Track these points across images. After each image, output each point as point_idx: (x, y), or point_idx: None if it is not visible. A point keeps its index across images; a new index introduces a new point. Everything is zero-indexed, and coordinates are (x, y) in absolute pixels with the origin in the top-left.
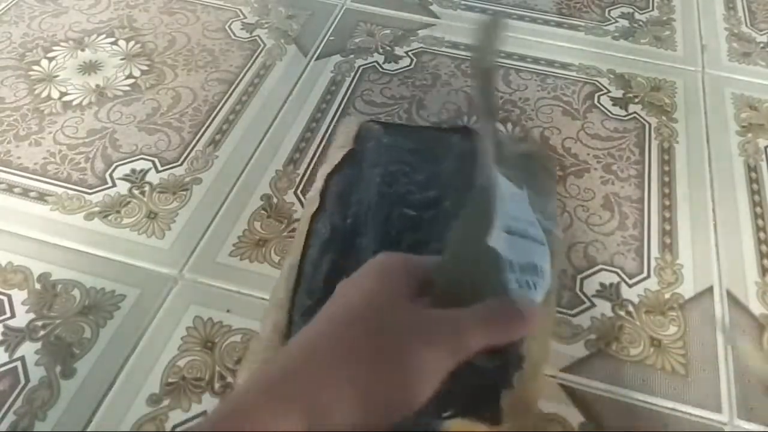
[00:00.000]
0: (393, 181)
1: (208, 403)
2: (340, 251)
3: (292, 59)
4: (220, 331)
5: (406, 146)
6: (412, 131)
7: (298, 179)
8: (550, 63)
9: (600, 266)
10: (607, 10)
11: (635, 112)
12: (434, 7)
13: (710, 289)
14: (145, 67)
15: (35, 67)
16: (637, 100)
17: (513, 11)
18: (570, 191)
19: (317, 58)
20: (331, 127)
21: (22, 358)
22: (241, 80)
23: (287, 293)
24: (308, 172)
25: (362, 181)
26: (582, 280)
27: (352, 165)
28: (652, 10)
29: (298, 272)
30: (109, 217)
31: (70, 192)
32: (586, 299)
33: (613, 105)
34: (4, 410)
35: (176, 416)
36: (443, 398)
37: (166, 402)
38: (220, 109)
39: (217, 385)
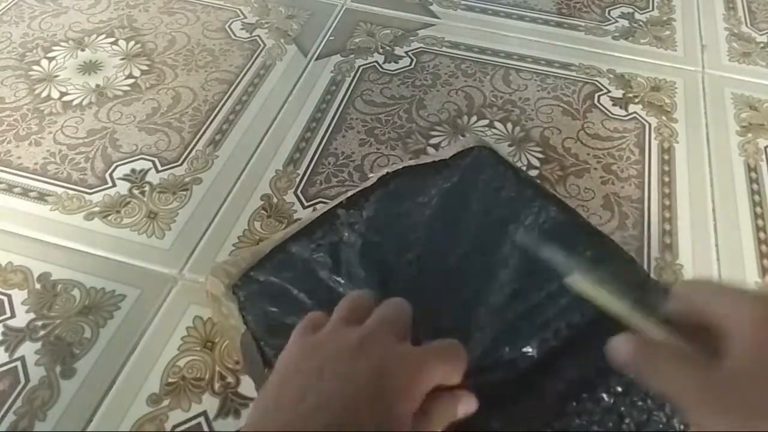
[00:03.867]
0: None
1: (208, 403)
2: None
3: (292, 59)
4: (221, 331)
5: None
6: (516, 177)
7: (298, 179)
8: (550, 63)
9: None
10: (607, 10)
11: (635, 112)
12: (434, 7)
13: None
14: (145, 67)
15: (35, 67)
16: (637, 100)
17: (513, 11)
18: (570, 191)
19: (317, 58)
20: (332, 127)
21: (22, 358)
22: (241, 80)
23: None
24: (308, 172)
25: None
26: None
27: (428, 175)
28: (652, 10)
29: (279, 245)
30: (109, 217)
31: (70, 192)
32: None
33: (613, 105)
34: (4, 410)
35: (176, 416)
36: None
37: (166, 402)
38: (220, 109)
39: (217, 385)
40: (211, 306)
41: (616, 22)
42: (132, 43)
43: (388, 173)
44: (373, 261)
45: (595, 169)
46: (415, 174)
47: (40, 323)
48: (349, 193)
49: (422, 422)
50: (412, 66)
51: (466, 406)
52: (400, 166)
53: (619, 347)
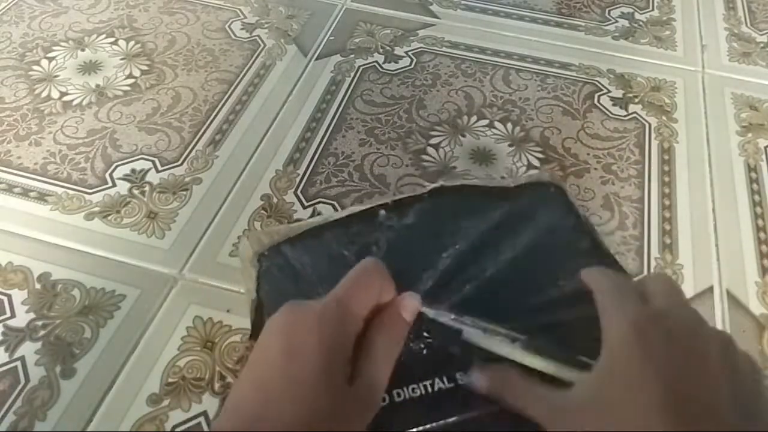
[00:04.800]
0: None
1: (209, 403)
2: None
3: (292, 59)
4: (220, 331)
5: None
6: (576, 225)
7: (298, 179)
8: (550, 63)
9: None
10: (607, 10)
11: (635, 112)
12: (434, 7)
13: (710, 289)
14: (145, 67)
15: (35, 67)
16: (637, 100)
17: (513, 11)
18: (570, 191)
19: (317, 58)
20: (332, 127)
21: (22, 358)
22: (241, 80)
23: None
24: (308, 172)
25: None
26: None
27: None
28: (652, 10)
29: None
30: (109, 217)
31: (70, 192)
32: None
33: (613, 105)
34: (4, 410)
35: (176, 416)
36: None
37: (166, 402)
38: (220, 109)
39: (217, 385)
40: (241, 268)
41: (616, 22)
42: (132, 43)
43: (443, 186)
44: (391, 270)
45: (595, 169)
46: (471, 195)
47: (40, 323)
48: (399, 197)
49: (367, 355)
50: (412, 66)
51: (409, 307)
52: (458, 183)
53: (476, 380)
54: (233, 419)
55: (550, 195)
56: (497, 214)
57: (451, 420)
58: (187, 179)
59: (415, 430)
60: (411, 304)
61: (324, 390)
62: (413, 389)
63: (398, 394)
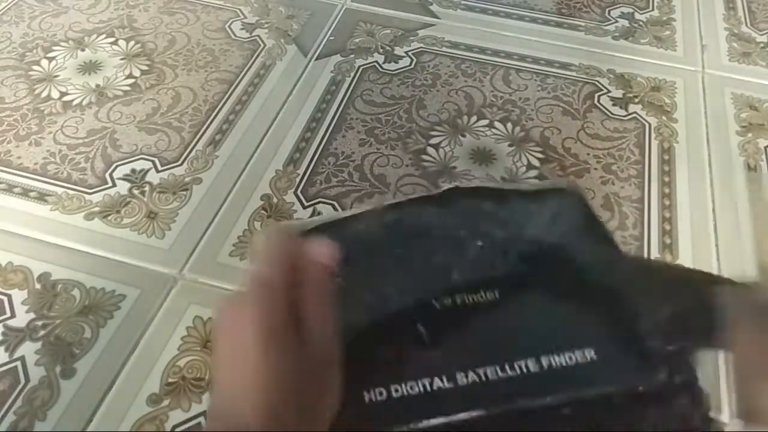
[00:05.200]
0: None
1: (208, 403)
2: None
3: (292, 59)
4: None
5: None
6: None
7: (298, 179)
8: (550, 63)
9: None
10: (607, 10)
11: (635, 112)
12: (434, 7)
13: None
14: (145, 67)
15: (35, 67)
16: (637, 100)
17: (513, 11)
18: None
19: (317, 58)
20: (332, 127)
21: (22, 358)
22: (241, 80)
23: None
24: (308, 172)
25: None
26: None
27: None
28: (652, 10)
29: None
30: (109, 217)
31: (70, 192)
32: None
33: (613, 105)
34: (4, 410)
35: (176, 416)
36: None
37: (166, 402)
38: (220, 109)
39: None
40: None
41: (616, 22)
42: (132, 43)
43: (458, 187)
44: (401, 271)
45: (595, 169)
46: (487, 199)
47: (40, 323)
48: (412, 196)
49: (305, 316)
50: (412, 66)
51: (320, 251)
52: (473, 185)
53: None
54: (213, 427)
55: (570, 203)
56: (514, 222)
57: (447, 419)
58: (187, 179)
59: (408, 428)
60: (320, 248)
61: (274, 378)
62: (411, 386)
63: (396, 390)
